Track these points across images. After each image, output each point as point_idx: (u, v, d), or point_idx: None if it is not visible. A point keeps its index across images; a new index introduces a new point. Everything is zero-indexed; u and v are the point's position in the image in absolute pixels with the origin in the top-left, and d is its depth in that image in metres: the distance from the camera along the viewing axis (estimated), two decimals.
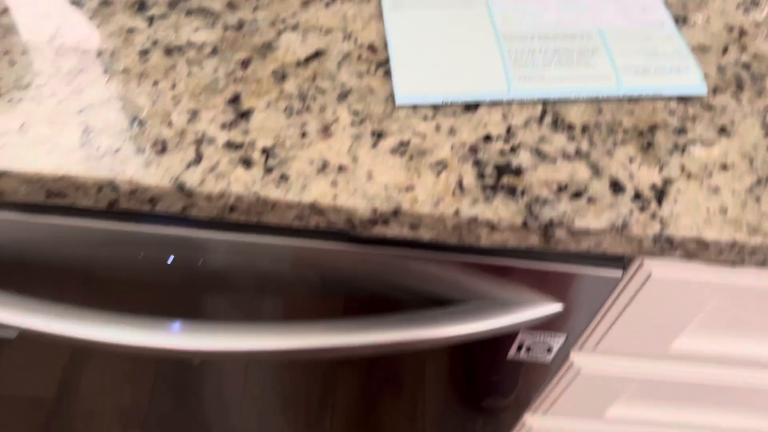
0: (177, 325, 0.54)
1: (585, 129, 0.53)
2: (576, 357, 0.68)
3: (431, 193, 0.48)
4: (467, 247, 0.53)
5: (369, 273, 0.54)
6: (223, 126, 0.51)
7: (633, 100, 0.55)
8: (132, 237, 0.53)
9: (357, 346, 0.53)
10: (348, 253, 0.53)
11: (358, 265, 0.53)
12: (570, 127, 0.53)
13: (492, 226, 0.48)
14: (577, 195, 0.49)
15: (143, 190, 0.48)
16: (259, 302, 0.59)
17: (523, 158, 0.51)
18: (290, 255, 0.53)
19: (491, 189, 0.49)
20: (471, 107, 0.54)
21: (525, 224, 0.48)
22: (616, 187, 0.49)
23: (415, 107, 0.53)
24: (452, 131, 0.52)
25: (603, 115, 0.54)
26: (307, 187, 0.48)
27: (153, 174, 0.48)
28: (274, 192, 0.47)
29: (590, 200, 0.49)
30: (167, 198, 0.48)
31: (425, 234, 0.49)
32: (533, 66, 0.55)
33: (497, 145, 0.51)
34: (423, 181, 0.49)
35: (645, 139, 0.52)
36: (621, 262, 0.55)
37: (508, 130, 0.52)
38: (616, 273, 0.53)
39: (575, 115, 0.54)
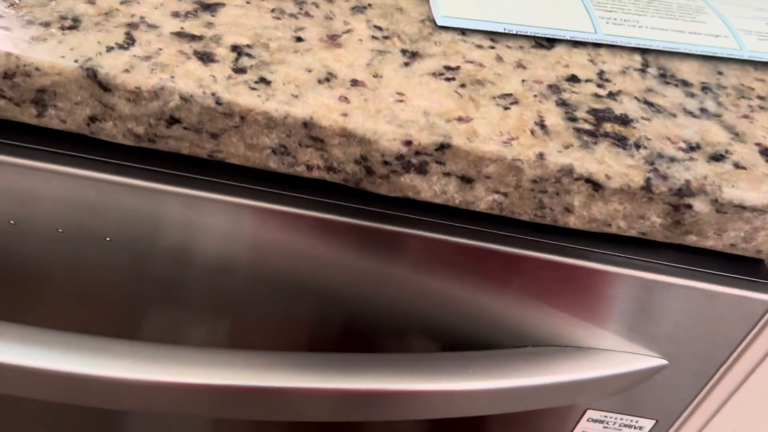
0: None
1: (706, 88, 0.36)
2: None
3: (497, 129, 0.30)
4: (519, 238, 0.34)
5: (374, 273, 0.34)
6: (176, 15, 0.33)
7: (761, 66, 0.39)
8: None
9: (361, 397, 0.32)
10: (348, 231, 0.33)
11: (363, 256, 0.34)
12: (685, 83, 0.36)
13: (595, 186, 0.30)
14: (717, 158, 0.31)
15: (30, 73, 0.28)
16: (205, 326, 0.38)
17: (629, 107, 0.33)
18: (254, 231, 0.33)
19: (590, 135, 0.31)
20: (543, 43, 0.37)
21: (648, 186, 0.30)
22: None
23: (463, 32, 0.36)
24: (520, 65, 0.35)
25: (726, 78, 0.37)
26: (301, 97, 0.29)
27: (50, 51, 0.29)
28: (245, 96, 0.29)
29: (738, 166, 0.31)
30: (68, 93, 0.29)
31: (482, 195, 0.30)
32: (623, 11, 0.40)
33: (588, 88, 0.34)
34: (484, 113, 0.31)
35: None
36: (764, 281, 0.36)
37: (600, 74, 0.35)
38: (761, 296, 0.34)
39: (688, 72, 0.37)
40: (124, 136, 0.30)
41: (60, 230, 0.33)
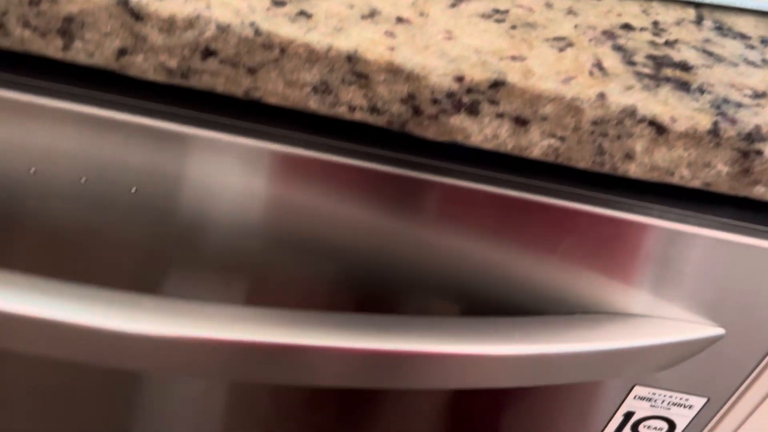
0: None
1: (765, 41, 0.34)
2: None
3: (554, 68, 0.28)
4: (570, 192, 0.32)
5: (406, 230, 0.32)
6: None
7: None
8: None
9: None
10: (381, 181, 0.31)
11: (396, 211, 0.31)
12: (743, 36, 0.34)
13: (659, 129, 0.28)
14: None
15: (56, 2, 0.27)
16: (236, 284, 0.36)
17: (688, 55, 0.31)
18: (281, 180, 0.31)
19: (651, 78, 0.29)
20: None
21: (715, 129, 0.28)
22: None
23: None
24: (571, 11, 0.33)
25: None
26: (344, 31, 0.27)
27: None
28: (285, 27, 0.27)
29: None
30: (97, 23, 0.27)
31: (536, 140, 0.28)
32: None
33: (644, 36, 0.32)
34: (538, 54, 0.29)
35: None
36: None
37: (655, 24, 0.33)
38: None
39: (745, 26, 0.35)
40: (156, 71, 0.28)
41: (83, 180, 0.31)
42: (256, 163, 0.30)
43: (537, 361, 0.33)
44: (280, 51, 0.27)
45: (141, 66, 0.28)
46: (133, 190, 0.32)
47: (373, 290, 0.35)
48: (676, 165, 0.29)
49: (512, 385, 0.35)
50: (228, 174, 0.31)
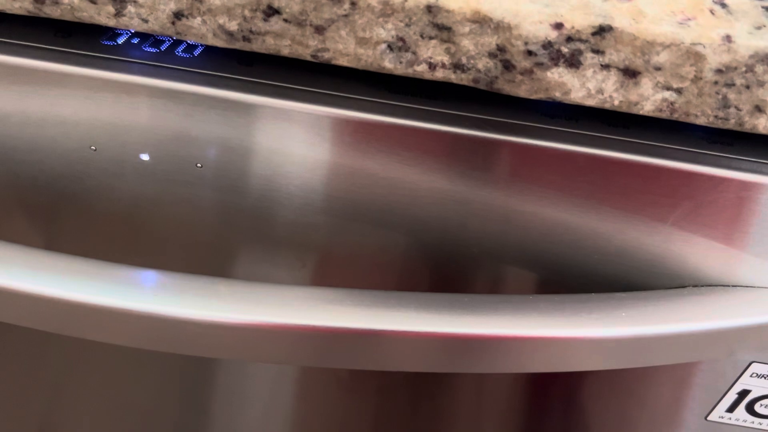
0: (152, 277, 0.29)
1: None
2: None
3: (668, 8, 0.24)
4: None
5: (493, 200, 0.29)
6: None
7: None
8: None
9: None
10: (464, 145, 0.27)
11: (483, 176, 0.28)
12: None
13: None
14: None
15: None
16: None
17: None
18: (353, 148, 0.28)
19: None
20: None
21: None
22: None
23: None
24: None
25: None
26: None
27: None
28: None
29: None
30: None
31: (649, 93, 0.25)
32: None
33: None
34: None
35: None
36: None
37: None
38: None
39: None
40: (215, 35, 0.25)
41: (145, 156, 0.29)
42: (327, 131, 0.28)
43: (642, 343, 0.29)
44: (351, 4, 0.24)
45: (199, 30, 0.25)
46: (198, 165, 0.30)
47: (455, 267, 0.32)
48: None
49: (612, 368, 0.32)
50: (297, 144, 0.28)
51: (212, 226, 0.32)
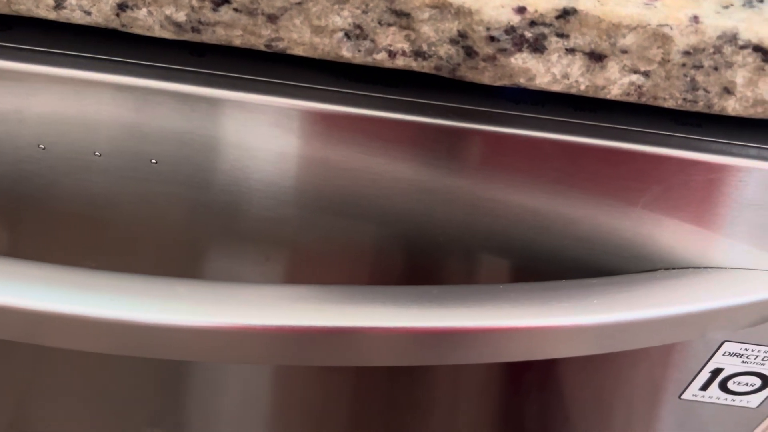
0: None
1: None
2: None
3: None
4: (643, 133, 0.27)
5: (461, 187, 0.28)
6: None
7: None
8: None
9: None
10: (430, 134, 0.27)
11: (448, 166, 0.27)
12: None
13: (766, 55, 0.23)
14: None
15: None
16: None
17: None
18: (317, 140, 0.27)
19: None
20: None
21: None
22: None
23: None
24: None
25: None
26: None
27: None
28: None
29: None
30: None
31: (616, 77, 0.24)
32: None
33: None
34: None
35: None
36: None
37: None
38: None
39: None
40: (162, 26, 0.24)
41: (97, 153, 0.28)
42: (286, 123, 0.27)
43: (614, 329, 0.29)
44: None
45: (145, 22, 0.24)
46: (153, 161, 0.28)
47: (422, 257, 0.31)
48: None
49: (586, 354, 0.32)
50: (255, 137, 0.27)
51: (171, 223, 0.30)
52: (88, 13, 0.24)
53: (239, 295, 0.27)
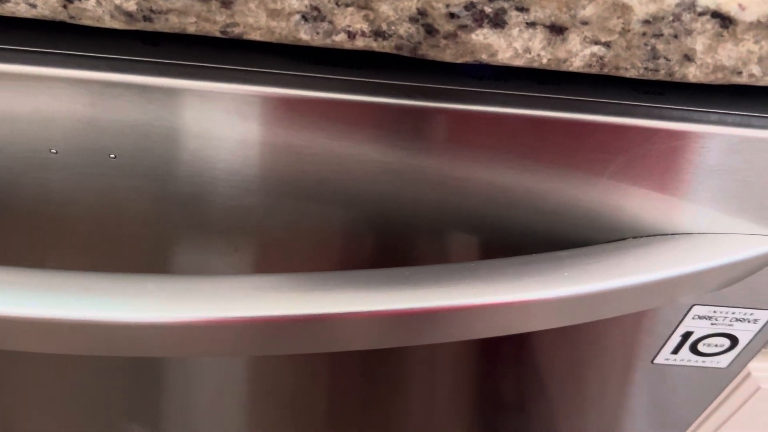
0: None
1: None
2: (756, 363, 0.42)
3: None
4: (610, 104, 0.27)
5: (425, 166, 0.28)
6: None
7: None
8: None
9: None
10: (394, 114, 0.26)
11: (413, 145, 0.27)
12: None
13: (724, 21, 0.23)
14: None
15: None
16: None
17: None
18: (278, 126, 0.27)
19: None
20: None
21: None
22: None
23: None
24: None
25: None
26: None
27: None
28: None
29: None
30: None
31: (577, 49, 0.24)
32: None
33: None
34: None
35: None
36: None
37: None
38: None
39: None
40: (113, 16, 0.23)
41: (53, 151, 0.27)
42: (247, 110, 0.26)
43: (586, 301, 0.29)
44: None
45: (94, 12, 0.23)
46: (112, 156, 0.28)
47: (393, 239, 0.31)
48: (744, 62, 0.24)
49: (559, 326, 0.32)
50: (216, 126, 0.27)
51: (136, 218, 0.30)
52: (34, 6, 0.23)
53: (210, 288, 0.27)
